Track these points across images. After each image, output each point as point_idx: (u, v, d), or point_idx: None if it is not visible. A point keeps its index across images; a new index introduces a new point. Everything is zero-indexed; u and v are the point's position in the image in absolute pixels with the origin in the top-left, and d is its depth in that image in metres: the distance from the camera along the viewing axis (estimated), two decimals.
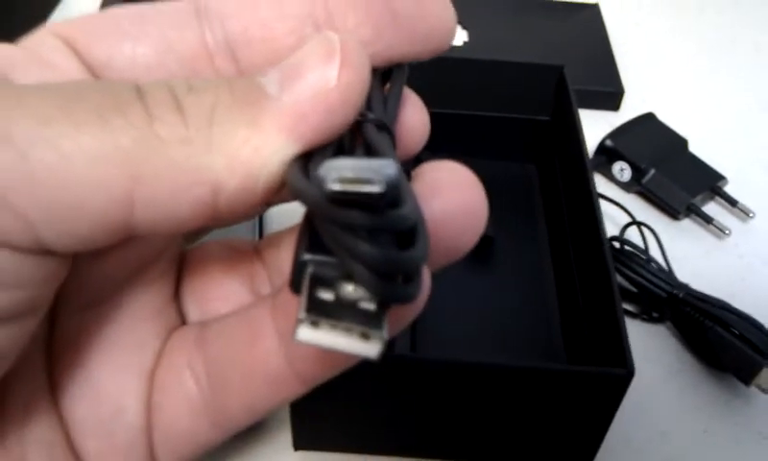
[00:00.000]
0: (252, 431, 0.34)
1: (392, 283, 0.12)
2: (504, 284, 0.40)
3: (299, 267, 0.13)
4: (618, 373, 0.28)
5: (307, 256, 0.13)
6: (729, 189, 0.47)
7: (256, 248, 0.18)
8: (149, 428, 0.16)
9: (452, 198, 0.15)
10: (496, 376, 0.29)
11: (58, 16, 0.57)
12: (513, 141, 0.46)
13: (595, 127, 0.48)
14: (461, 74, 0.44)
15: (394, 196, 0.12)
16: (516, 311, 0.39)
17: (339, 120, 0.13)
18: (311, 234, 0.13)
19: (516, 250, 0.42)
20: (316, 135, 0.13)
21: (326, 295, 0.13)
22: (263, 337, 0.16)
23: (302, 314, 0.13)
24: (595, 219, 0.34)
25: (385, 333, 0.13)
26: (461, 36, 0.56)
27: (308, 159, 0.13)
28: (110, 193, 0.12)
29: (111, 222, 0.13)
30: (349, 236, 0.12)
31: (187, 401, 0.16)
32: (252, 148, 0.13)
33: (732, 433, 0.36)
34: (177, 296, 0.18)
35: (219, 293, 0.18)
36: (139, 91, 0.13)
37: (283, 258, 0.17)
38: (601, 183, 0.48)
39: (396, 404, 0.30)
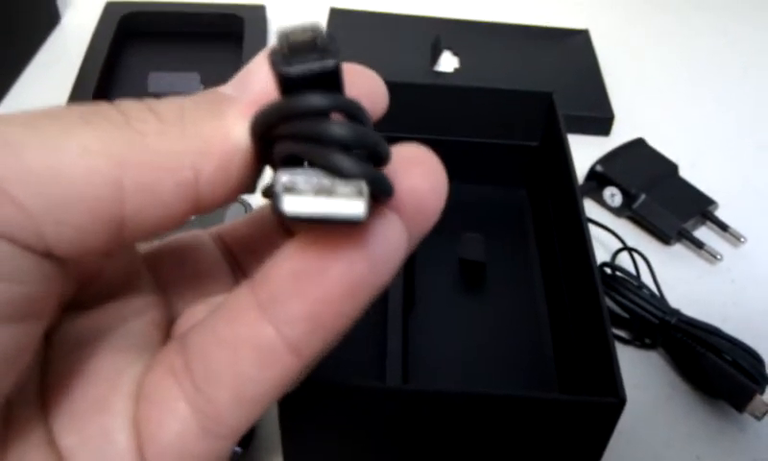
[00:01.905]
0: None
1: (370, 166, 0.13)
2: (496, 311, 0.40)
3: (275, 180, 0.13)
4: (610, 401, 0.28)
5: (283, 173, 0.13)
6: (720, 214, 0.47)
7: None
8: (140, 448, 0.16)
9: (418, 174, 0.16)
10: (488, 405, 0.29)
11: (53, 42, 0.58)
12: (504, 167, 0.46)
13: (586, 152, 0.49)
14: (452, 101, 0.44)
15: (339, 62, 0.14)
16: (507, 338, 0.39)
17: None
18: (282, 164, 0.14)
19: (508, 276, 0.42)
20: None
21: (308, 181, 0.13)
22: (244, 310, 0.15)
23: (285, 182, 0.13)
24: (585, 245, 0.34)
25: (367, 190, 0.13)
26: (452, 63, 0.56)
27: None
28: (102, 179, 0.14)
29: (105, 211, 0.14)
30: (318, 124, 0.13)
31: (173, 410, 0.16)
32: (222, 134, 0.15)
33: (726, 460, 0.35)
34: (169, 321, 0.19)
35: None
36: (115, 103, 0.15)
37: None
38: (592, 209, 0.48)
39: (388, 436, 0.30)
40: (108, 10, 0.57)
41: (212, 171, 0.15)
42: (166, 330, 0.18)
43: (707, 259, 0.45)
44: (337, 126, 0.13)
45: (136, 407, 0.16)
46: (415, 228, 0.16)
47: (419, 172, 0.16)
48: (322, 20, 0.60)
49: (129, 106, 0.15)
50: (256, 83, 0.16)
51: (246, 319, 0.15)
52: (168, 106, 0.15)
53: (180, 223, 0.15)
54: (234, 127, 0.15)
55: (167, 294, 0.19)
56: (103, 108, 0.15)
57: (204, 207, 0.15)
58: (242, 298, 0.15)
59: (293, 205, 0.13)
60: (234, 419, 0.15)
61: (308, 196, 0.13)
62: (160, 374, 0.16)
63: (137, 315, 0.18)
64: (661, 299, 0.40)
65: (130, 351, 0.17)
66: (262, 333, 0.15)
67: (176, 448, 0.16)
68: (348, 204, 0.13)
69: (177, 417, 0.16)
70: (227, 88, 0.16)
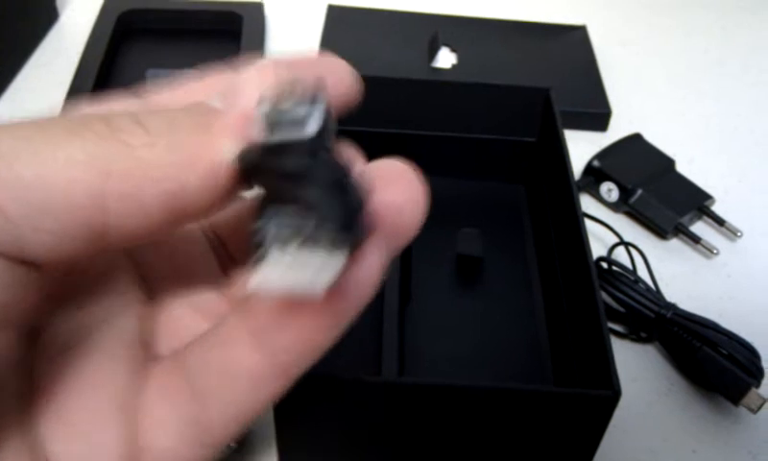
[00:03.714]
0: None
1: (341, 224, 0.14)
2: (492, 305, 0.40)
3: (253, 233, 0.14)
4: (605, 394, 0.28)
5: (259, 223, 0.14)
6: (716, 209, 0.47)
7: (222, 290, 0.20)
8: (129, 456, 0.16)
9: (396, 191, 0.16)
10: (484, 398, 0.29)
11: (51, 39, 0.58)
12: (501, 163, 0.46)
13: (583, 147, 0.49)
14: (449, 96, 0.44)
15: (324, 131, 0.14)
16: (504, 332, 0.39)
17: None
18: (263, 205, 0.15)
19: (505, 271, 0.42)
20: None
21: (280, 254, 0.14)
22: (238, 339, 0.16)
23: (257, 262, 0.14)
24: (582, 240, 0.34)
25: (338, 262, 0.14)
26: (449, 59, 0.56)
27: None
28: (85, 189, 0.14)
29: (87, 219, 0.14)
30: (298, 186, 0.14)
31: (166, 424, 0.17)
32: (209, 149, 0.15)
33: (721, 453, 0.36)
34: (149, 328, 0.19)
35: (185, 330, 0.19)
36: (103, 116, 0.15)
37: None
38: (589, 204, 0.48)
39: (384, 428, 0.30)
40: (106, 7, 0.57)
41: (198, 184, 0.15)
42: (151, 328, 0.19)
43: (703, 254, 0.45)
44: (316, 196, 0.14)
45: (126, 415, 0.17)
46: (392, 241, 0.17)
47: (397, 189, 0.16)
48: (320, 16, 0.60)
49: (117, 118, 0.15)
50: (245, 98, 0.16)
51: (239, 347, 0.16)
52: (156, 118, 0.15)
53: (166, 232, 0.16)
54: (221, 142, 0.15)
55: (151, 286, 0.19)
56: (91, 120, 0.15)
57: (191, 217, 0.16)
58: (235, 325, 0.16)
59: (262, 281, 0.14)
60: (225, 432, 0.17)
61: (279, 274, 0.14)
62: (155, 390, 0.17)
63: (122, 315, 0.18)
64: (658, 293, 0.40)
65: (115, 355, 0.17)
66: (254, 360, 0.16)
67: (166, 457, 0.17)
68: (317, 277, 0.14)
69: (169, 431, 0.17)
70: (214, 101, 0.16)
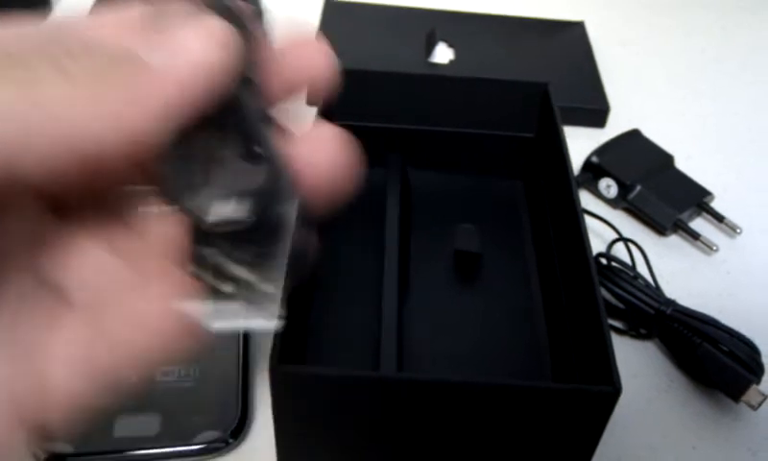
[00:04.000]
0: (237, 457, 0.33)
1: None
2: (491, 301, 0.40)
3: (196, 259, 0.15)
4: (605, 390, 0.28)
5: (200, 250, 0.15)
6: (715, 205, 0.47)
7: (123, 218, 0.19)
8: (27, 396, 0.16)
9: (323, 151, 0.17)
10: (483, 394, 0.28)
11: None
12: (500, 158, 0.46)
13: (581, 144, 0.49)
14: (447, 91, 0.44)
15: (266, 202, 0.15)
16: (503, 328, 0.39)
17: (213, 90, 0.15)
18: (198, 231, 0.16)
19: (504, 267, 0.42)
20: (191, 101, 0.15)
21: (227, 288, 0.15)
22: (152, 292, 0.17)
23: (208, 308, 0.15)
24: (581, 236, 0.33)
25: (281, 307, 0.16)
26: (447, 55, 0.56)
27: (187, 157, 0.15)
28: None
29: None
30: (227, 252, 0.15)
31: (67, 360, 0.17)
32: (133, 109, 0.14)
33: (721, 450, 0.35)
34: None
35: (83, 261, 0.18)
36: (23, 59, 0.14)
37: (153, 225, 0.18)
38: (588, 200, 0.47)
39: (382, 424, 0.30)
40: None
41: (119, 147, 0.14)
42: (60, 263, 0.18)
43: (702, 250, 0.45)
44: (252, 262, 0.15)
45: (22, 350, 0.16)
46: (326, 198, 0.17)
47: (319, 149, 0.17)
48: (316, 10, 0.59)
49: (37, 62, 0.14)
50: (185, 60, 0.15)
51: (152, 304, 0.17)
52: (84, 66, 0.14)
53: (85, 189, 0.16)
54: (149, 105, 0.14)
55: (67, 220, 0.18)
56: (10, 63, 0.14)
57: (112, 174, 0.15)
58: (152, 282, 0.17)
59: (217, 325, 0.16)
60: (124, 374, 0.17)
61: (230, 318, 0.16)
62: (60, 325, 0.17)
63: (25, 249, 0.17)
64: (657, 289, 0.40)
65: (17, 291, 0.17)
66: (165, 320, 0.16)
67: (60, 390, 0.17)
68: (267, 322, 0.16)
69: (69, 367, 0.16)
70: (151, 54, 0.15)
